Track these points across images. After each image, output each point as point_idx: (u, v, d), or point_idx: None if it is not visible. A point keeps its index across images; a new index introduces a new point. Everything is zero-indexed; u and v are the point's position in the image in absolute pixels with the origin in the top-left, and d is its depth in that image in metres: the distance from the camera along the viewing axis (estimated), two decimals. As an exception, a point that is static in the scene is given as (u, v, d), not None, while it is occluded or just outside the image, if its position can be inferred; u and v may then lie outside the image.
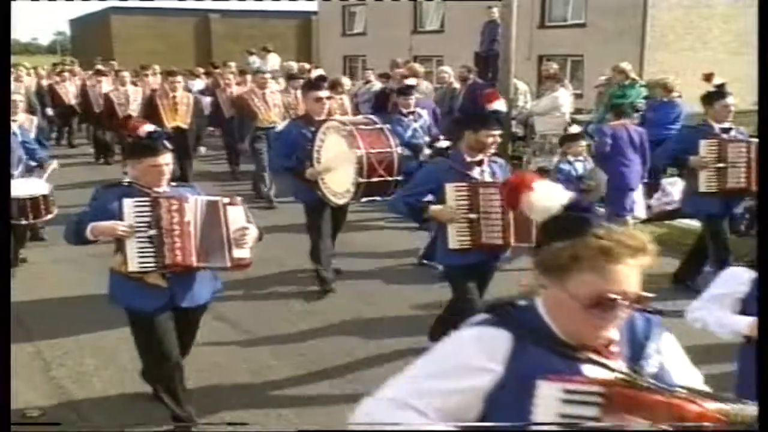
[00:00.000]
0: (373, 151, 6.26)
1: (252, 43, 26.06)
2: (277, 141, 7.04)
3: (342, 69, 30.82)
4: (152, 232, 4.03)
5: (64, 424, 4.56)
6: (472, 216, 4.84)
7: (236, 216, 4.21)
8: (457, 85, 12.59)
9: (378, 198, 6.61)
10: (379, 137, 6.41)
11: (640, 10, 20.11)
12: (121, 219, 4.01)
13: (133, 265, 4.05)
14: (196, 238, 4.12)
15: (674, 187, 9.35)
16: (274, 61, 20.03)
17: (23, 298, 6.65)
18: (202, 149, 11.58)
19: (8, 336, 3.38)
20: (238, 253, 4.20)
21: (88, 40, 41.96)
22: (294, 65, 16.48)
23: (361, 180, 6.21)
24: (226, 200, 4.22)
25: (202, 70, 18.78)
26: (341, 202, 6.62)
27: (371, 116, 7.37)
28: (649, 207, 9.89)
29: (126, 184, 4.20)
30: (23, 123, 9.03)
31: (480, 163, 4.96)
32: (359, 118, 7.08)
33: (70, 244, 4.28)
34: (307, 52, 37.14)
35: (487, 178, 4.96)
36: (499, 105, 5.19)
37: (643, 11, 20.10)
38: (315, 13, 37.08)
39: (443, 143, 7.69)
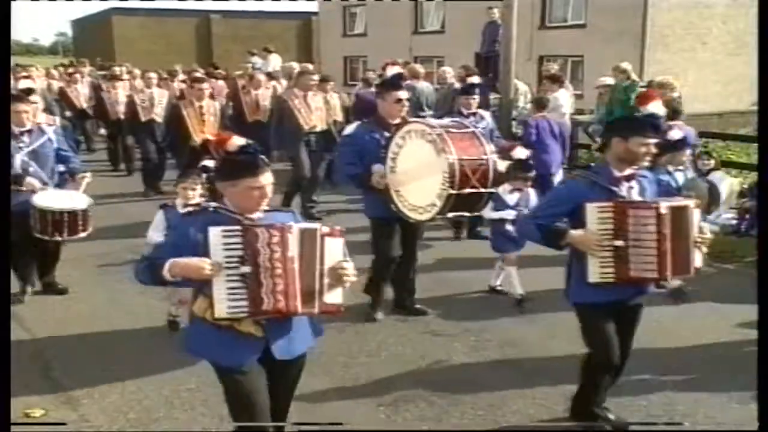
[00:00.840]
0: (466, 158, 5.40)
1: (253, 44, 26.10)
2: (344, 146, 6.11)
3: (343, 69, 30.88)
4: (246, 269, 3.27)
5: (66, 424, 4.60)
6: (619, 243, 3.99)
7: (334, 250, 3.46)
8: (458, 85, 12.62)
9: (466, 213, 5.86)
10: (472, 142, 5.57)
11: (640, 11, 20.13)
12: (206, 254, 3.26)
13: (221, 310, 3.30)
14: (300, 277, 3.35)
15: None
16: (275, 61, 20.04)
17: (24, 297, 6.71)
18: None
19: (8, 336, 3.39)
20: (330, 297, 3.45)
21: (90, 40, 42.06)
22: (295, 66, 16.51)
23: (451, 192, 5.36)
24: (326, 230, 3.46)
25: (201, 71, 17.92)
26: (423, 217, 5.72)
27: (459, 119, 6.55)
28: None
29: (211, 208, 3.46)
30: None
31: (629, 177, 4.13)
32: (446, 120, 6.17)
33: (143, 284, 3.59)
34: (308, 53, 37.18)
35: (635, 197, 4.13)
36: (656, 107, 4.42)
37: (643, 12, 20.11)
38: (315, 13, 37.12)
39: (521, 152, 6.77)
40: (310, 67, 16.13)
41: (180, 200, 5.84)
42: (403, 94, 5.93)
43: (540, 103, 9.84)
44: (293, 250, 3.33)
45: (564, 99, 10.92)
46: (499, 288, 6.92)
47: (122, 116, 12.89)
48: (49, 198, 6.41)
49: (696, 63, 20.39)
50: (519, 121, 12.60)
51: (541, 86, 12.61)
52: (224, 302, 3.30)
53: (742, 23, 20.83)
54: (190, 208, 5.29)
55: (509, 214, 6.49)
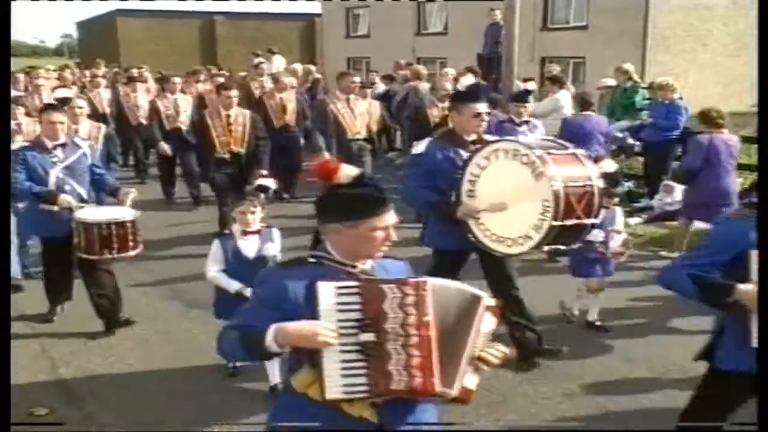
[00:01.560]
0: (572, 184, 4.59)
1: (256, 45, 26.14)
2: (417, 167, 5.28)
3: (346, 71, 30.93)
4: (367, 337, 2.53)
5: (71, 423, 4.65)
6: None
7: (487, 324, 2.74)
8: (450, 87, 12.68)
9: (562, 247, 5.16)
10: (574, 165, 4.77)
11: (641, 13, 20.14)
12: (314, 315, 2.49)
13: (334, 390, 2.51)
14: (440, 349, 2.60)
15: (675, 190, 9.44)
16: (279, 63, 20.11)
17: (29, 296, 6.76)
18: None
19: (8, 336, 3.40)
20: (468, 379, 2.73)
21: (95, 42, 42.15)
22: (298, 67, 16.58)
23: (554, 223, 4.54)
24: (491, 301, 2.75)
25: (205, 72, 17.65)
26: (513, 251, 4.91)
27: (554, 138, 5.71)
28: (651, 208, 9.99)
29: (313, 259, 2.70)
30: (91, 134, 7.91)
31: None
32: (540, 139, 5.42)
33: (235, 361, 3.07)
34: (311, 54, 37.23)
35: None
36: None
37: (644, 13, 20.13)
38: (319, 15, 37.14)
39: (610, 165, 5.63)
40: (313, 68, 16.14)
41: (238, 227, 5.07)
42: (482, 107, 5.10)
43: (585, 102, 9.26)
44: (431, 313, 2.58)
45: (566, 100, 10.94)
46: (598, 323, 6.18)
47: (143, 121, 12.06)
48: (93, 212, 5.89)
49: (697, 64, 20.41)
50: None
51: (543, 87, 12.65)
52: (338, 379, 2.53)
53: (742, 24, 20.84)
54: (249, 237, 5.01)
55: (597, 236, 5.72)
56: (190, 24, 40.77)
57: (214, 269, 5.03)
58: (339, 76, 9.85)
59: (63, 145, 6.00)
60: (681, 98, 10.32)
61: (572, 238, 4.90)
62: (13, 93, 12.62)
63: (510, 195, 4.79)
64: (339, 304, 2.52)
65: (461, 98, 5.28)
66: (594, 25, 21.45)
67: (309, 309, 2.52)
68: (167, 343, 5.90)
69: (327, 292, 2.51)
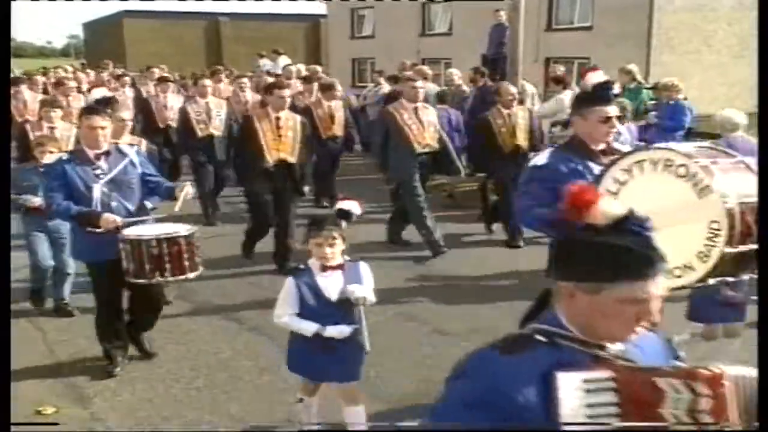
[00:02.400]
0: (747, 201, 3.65)
1: (261, 46, 26.25)
2: (537, 182, 4.41)
3: (351, 71, 30.96)
4: None
5: (77, 423, 4.69)
6: None
7: None
8: (465, 87, 12.71)
9: (730, 279, 3.96)
10: (746, 178, 3.80)
11: (645, 13, 20.13)
12: (551, 419, 1.75)
13: None
14: None
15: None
16: (284, 63, 20.17)
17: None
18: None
19: (8, 336, 3.42)
20: None
21: (101, 43, 42.36)
22: (302, 68, 16.63)
23: (727, 250, 3.61)
24: None
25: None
26: (669, 285, 3.14)
27: (712, 144, 4.66)
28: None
29: (542, 337, 1.88)
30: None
31: None
32: (693, 147, 4.23)
33: None
34: (316, 55, 37.30)
35: None
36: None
37: (649, 14, 20.12)
38: (324, 16, 37.19)
39: None
40: (318, 68, 16.13)
41: (316, 261, 4.13)
42: (612, 110, 4.40)
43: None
44: (734, 417, 1.77)
45: (570, 101, 10.96)
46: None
47: (172, 123, 11.13)
48: (141, 228, 5.09)
49: (701, 65, 20.37)
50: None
51: (548, 88, 12.67)
52: None
53: (747, 25, 20.80)
54: (330, 273, 4.06)
55: None
56: (196, 25, 40.95)
57: (286, 313, 4.10)
58: (404, 81, 9.00)
59: (106, 154, 5.17)
60: (686, 99, 10.32)
61: (744, 268, 3.84)
62: (37, 96, 12.47)
63: (663, 217, 3.40)
64: (589, 405, 1.76)
65: (586, 101, 4.54)
66: (598, 25, 21.44)
67: (543, 410, 1.76)
68: (173, 344, 5.94)
69: (570, 385, 1.76)
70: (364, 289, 4.06)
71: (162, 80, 12.45)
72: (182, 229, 5.04)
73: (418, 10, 28.39)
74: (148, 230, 5.04)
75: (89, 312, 6.26)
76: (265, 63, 21.30)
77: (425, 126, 8.14)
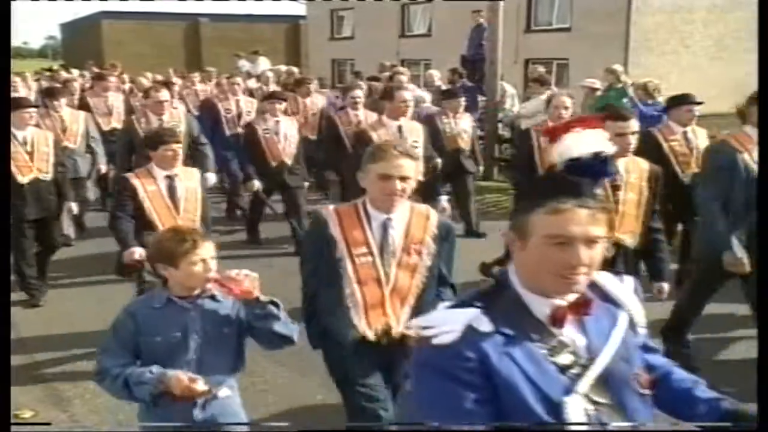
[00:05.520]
0: None
1: (241, 47, 26.14)
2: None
3: (330, 72, 30.95)
4: None
5: (51, 424, 4.64)
6: None
7: None
8: (444, 88, 12.73)
9: None
10: None
11: (623, 15, 20.33)
12: None
13: None
14: None
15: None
16: (264, 64, 20.12)
17: (14, 298, 6.71)
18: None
19: (8, 335, 3.42)
20: None
21: (79, 44, 41.96)
22: (283, 69, 16.60)
23: None
24: None
25: (198, 76, 15.27)
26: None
27: None
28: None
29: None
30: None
31: None
32: None
33: None
34: (296, 56, 37.24)
35: None
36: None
37: (627, 16, 20.32)
38: (303, 17, 37.17)
39: None
40: (296, 69, 16.09)
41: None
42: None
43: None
44: None
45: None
46: None
47: None
48: None
49: (679, 66, 20.57)
50: (505, 123, 12.74)
51: (528, 89, 12.73)
52: None
53: (722, 27, 21.09)
54: None
55: None
56: (175, 26, 40.70)
57: None
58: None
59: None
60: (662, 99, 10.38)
61: None
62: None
63: None
64: None
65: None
66: (577, 27, 21.60)
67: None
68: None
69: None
70: None
71: (166, 84, 11.06)
72: None
73: (397, 12, 28.45)
74: None
75: (70, 312, 6.22)
76: (244, 64, 21.20)
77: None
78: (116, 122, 9.70)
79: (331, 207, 3.42)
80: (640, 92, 10.47)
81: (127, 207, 5.13)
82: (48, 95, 8.64)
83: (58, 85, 10.97)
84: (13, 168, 6.26)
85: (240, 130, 9.44)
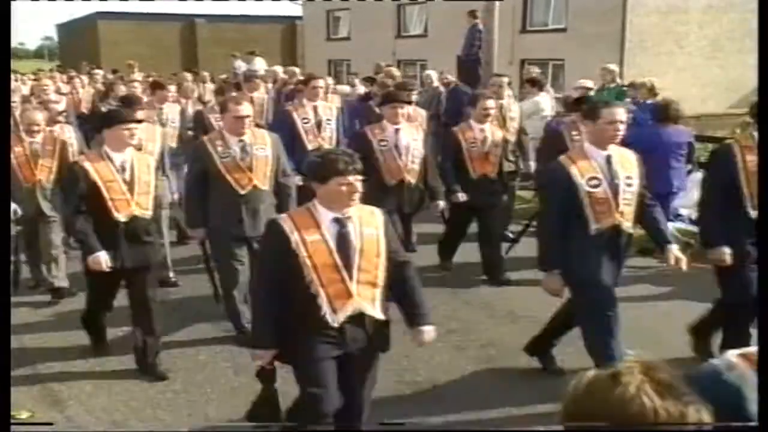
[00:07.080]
0: None
1: (238, 48, 26.12)
2: None
3: (327, 73, 30.96)
4: None
5: (53, 424, 4.64)
6: None
7: None
8: (442, 89, 12.79)
9: None
10: None
11: (618, 15, 20.36)
12: None
13: None
14: None
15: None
16: (260, 65, 20.11)
17: (13, 300, 6.72)
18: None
19: (8, 335, 3.41)
20: None
21: (75, 44, 41.91)
22: (279, 69, 16.58)
23: None
24: None
25: (189, 76, 14.77)
26: None
27: None
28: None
29: None
30: None
31: None
32: None
33: None
34: (293, 57, 37.22)
35: None
36: None
37: (622, 16, 20.35)
38: (300, 17, 37.15)
39: None
40: (296, 70, 16.07)
41: None
42: None
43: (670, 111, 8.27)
44: None
45: (545, 103, 11.02)
46: None
47: None
48: None
49: (674, 66, 20.59)
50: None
51: (522, 89, 12.74)
52: None
53: (717, 28, 21.13)
54: None
55: None
56: (171, 26, 40.63)
57: None
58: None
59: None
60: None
61: None
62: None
63: None
64: None
65: None
66: (572, 27, 21.62)
67: None
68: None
69: None
70: None
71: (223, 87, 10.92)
72: None
73: (393, 12, 28.45)
74: None
75: (67, 313, 6.22)
76: (240, 64, 21.19)
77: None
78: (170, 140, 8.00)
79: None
80: (643, 91, 10.47)
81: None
82: (126, 105, 6.80)
83: (134, 91, 9.37)
84: (108, 203, 5.06)
85: (321, 141, 7.74)
